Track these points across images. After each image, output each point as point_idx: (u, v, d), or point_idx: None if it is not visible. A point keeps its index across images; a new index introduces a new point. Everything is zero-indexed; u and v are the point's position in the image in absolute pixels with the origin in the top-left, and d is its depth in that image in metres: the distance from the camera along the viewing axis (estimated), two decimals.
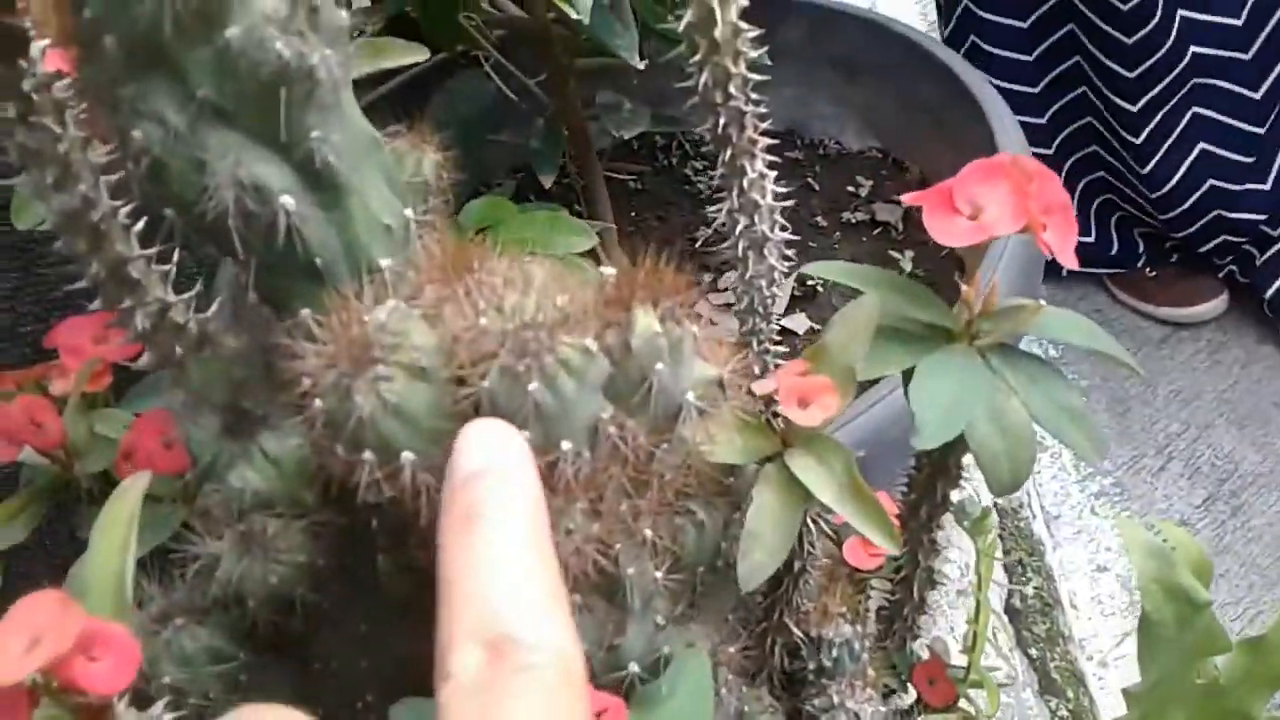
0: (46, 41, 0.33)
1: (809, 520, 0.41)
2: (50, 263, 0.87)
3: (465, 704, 0.23)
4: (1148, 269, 1.59)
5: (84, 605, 0.25)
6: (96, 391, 0.49)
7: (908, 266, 0.98)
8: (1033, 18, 1.36)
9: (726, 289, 1.00)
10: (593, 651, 0.33)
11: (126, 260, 0.38)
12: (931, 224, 0.40)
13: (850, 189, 1.08)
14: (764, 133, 1.10)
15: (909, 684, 0.57)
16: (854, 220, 1.05)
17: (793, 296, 0.98)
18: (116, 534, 0.26)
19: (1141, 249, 1.58)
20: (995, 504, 1.43)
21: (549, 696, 0.23)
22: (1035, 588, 1.29)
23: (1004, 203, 0.40)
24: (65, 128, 0.36)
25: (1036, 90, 1.42)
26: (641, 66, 0.79)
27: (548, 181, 0.90)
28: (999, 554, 1.29)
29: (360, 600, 0.36)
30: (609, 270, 0.28)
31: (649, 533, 0.33)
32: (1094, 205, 1.56)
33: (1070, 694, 1.17)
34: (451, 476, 0.26)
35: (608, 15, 0.80)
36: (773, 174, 0.43)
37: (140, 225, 0.39)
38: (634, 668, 0.35)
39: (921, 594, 0.54)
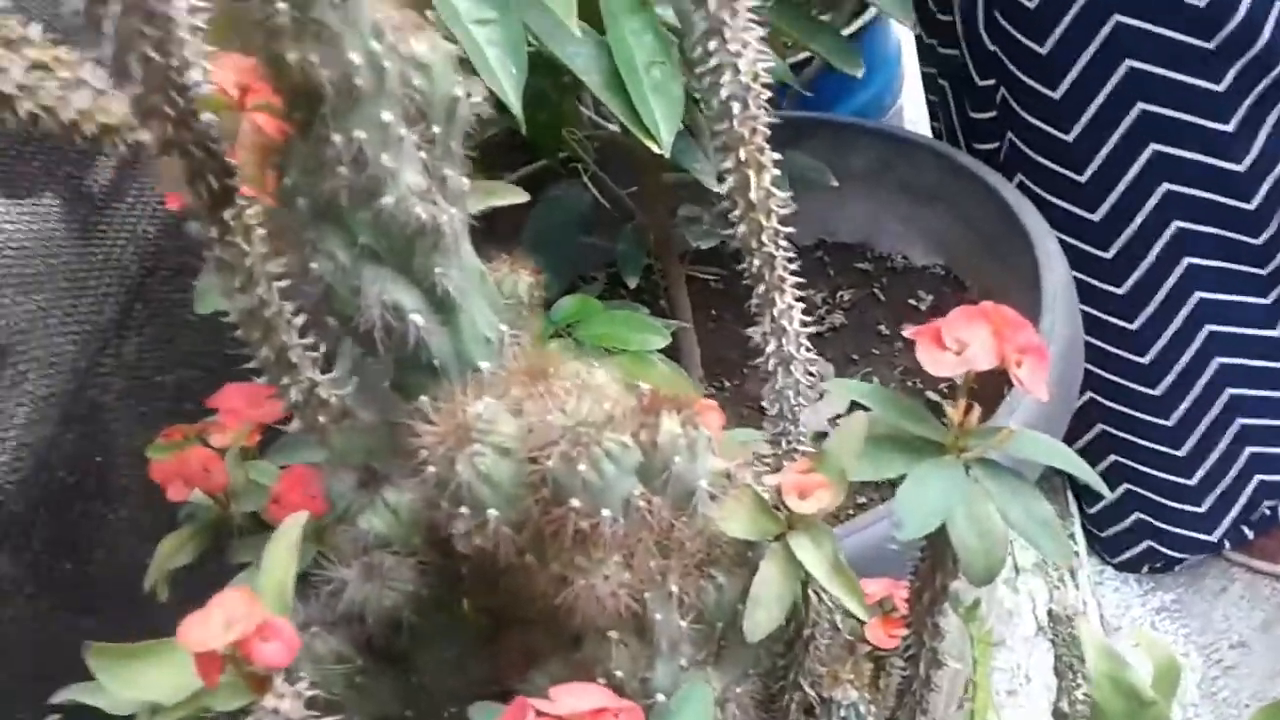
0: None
1: (814, 592, 0.50)
2: (187, 322, 1.00)
3: None
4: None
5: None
6: (248, 447, 0.60)
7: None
8: None
9: None
10: (628, 680, 0.43)
11: (288, 348, 0.49)
12: (923, 356, 0.49)
13: (912, 301, 1.17)
14: (836, 244, 1.21)
15: None
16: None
17: None
18: (284, 553, 0.37)
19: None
20: (1050, 610, 1.46)
21: None
22: (1085, 694, 1.33)
23: (984, 342, 0.49)
24: (251, 245, 0.47)
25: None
26: (719, 189, 0.90)
27: (632, 281, 1.01)
28: (1050, 657, 1.33)
29: (452, 629, 0.46)
30: (646, 386, 0.38)
31: (675, 589, 0.43)
32: None
33: None
34: None
35: (690, 143, 0.91)
36: (800, 305, 0.53)
37: (299, 320, 0.50)
38: (661, 698, 0.44)
39: (927, 671, 0.62)
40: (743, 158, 0.47)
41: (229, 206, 0.44)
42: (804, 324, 0.52)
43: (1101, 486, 0.51)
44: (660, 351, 0.90)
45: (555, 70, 0.88)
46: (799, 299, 0.52)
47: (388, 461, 0.44)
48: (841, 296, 1.20)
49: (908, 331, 0.51)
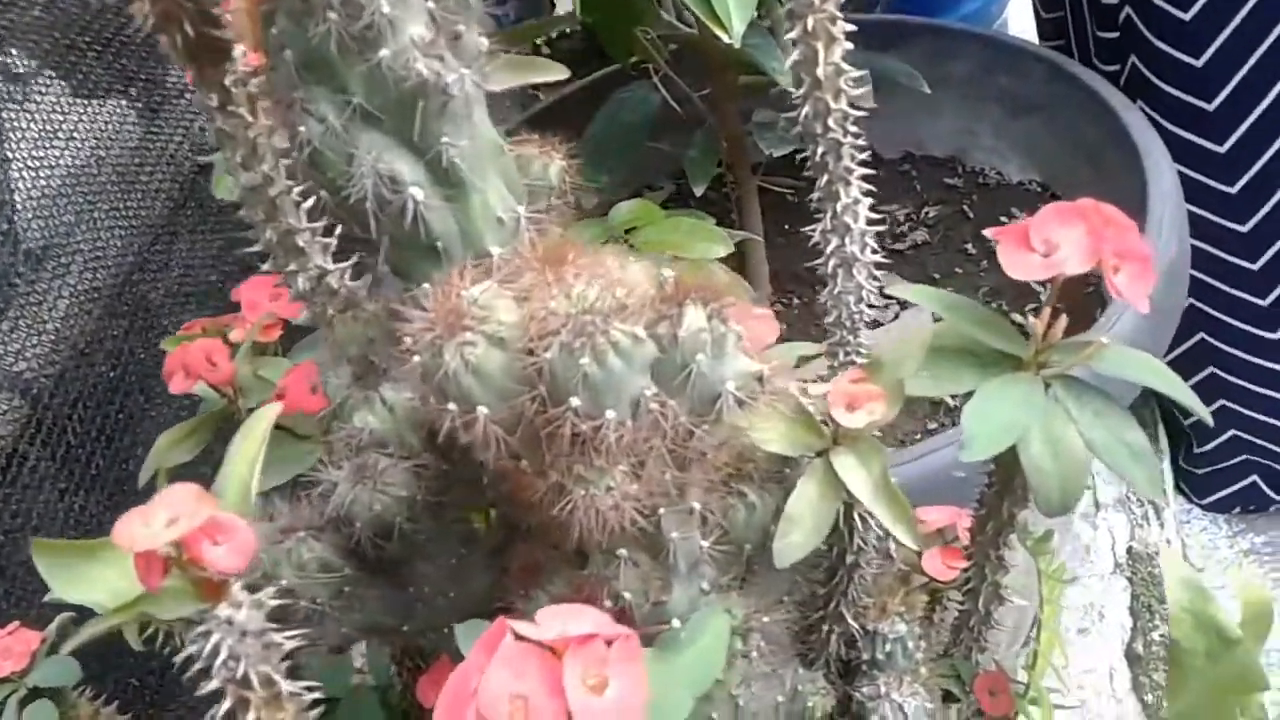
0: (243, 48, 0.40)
1: (859, 516, 0.45)
2: (239, 222, 0.98)
3: None
4: None
5: (218, 503, 0.31)
6: (269, 342, 0.57)
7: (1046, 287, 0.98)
8: None
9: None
10: (638, 603, 0.38)
11: (294, 231, 0.45)
12: (1005, 258, 0.43)
13: (1004, 219, 1.09)
14: (925, 157, 1.12)
15: (970, 693, 0.59)
16: None
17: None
18: (250, 449, 0.33)
19: None
20: (1130, 548, 1.40)
21: None
22: (1161, 635, 1.27)
23: (1078, 243, 0.42)
24: (255, 117, 0.43)
25: None
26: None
27: (699, 189, 0.95)
28: (1126, 596, 1.27)
29: (450, 538, 0.42)
30: (669, 272, 0.33)
31: (697, 505, 0.38)
32: None
33: None
34: None
35: (768, 38, 0.84)
36: (867, 200, 0.47)
37: (309, 203, 0.46)
38: (676, 624, 0.39)
39: (987, 607, 0.57)
40: (810, 27, 0.41)
41: (217, 64, 0.40)
42: (870, 221, 0.46)
43: (1200, 408, 0.45)
44: (728, 264, 0.85)
45: None
46: (867, 194, 0.46)
47: (386, 353, 0.39)
48: (927, 213, 1.12)
49: (989, 232, 0.44)
